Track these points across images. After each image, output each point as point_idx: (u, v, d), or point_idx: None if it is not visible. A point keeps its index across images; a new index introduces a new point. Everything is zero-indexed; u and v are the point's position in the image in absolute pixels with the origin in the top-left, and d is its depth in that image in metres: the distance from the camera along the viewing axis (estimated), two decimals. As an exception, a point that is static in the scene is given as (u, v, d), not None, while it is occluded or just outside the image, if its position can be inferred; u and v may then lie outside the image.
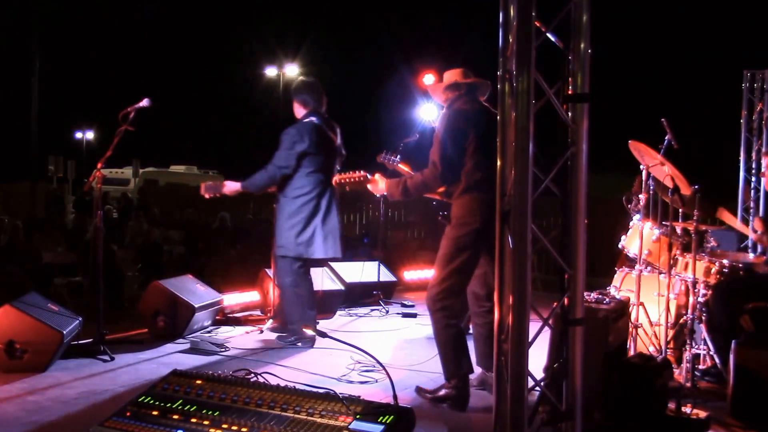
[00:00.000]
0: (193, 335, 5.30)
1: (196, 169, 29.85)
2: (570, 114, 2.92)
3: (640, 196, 4.99)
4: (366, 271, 7.17)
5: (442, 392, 3.82)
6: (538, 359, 3.76)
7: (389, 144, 5.85)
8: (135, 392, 3.07)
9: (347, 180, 4.44)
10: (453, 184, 3.93)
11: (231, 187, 5.43)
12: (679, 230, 4.97)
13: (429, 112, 7.70)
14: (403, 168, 4.44)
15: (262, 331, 5.70)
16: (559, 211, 2.96)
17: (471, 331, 4.35)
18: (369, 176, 4.35)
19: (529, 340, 2.84)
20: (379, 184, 4.27)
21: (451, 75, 4.14)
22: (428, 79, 6.28)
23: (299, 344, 5.12)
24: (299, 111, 5.34)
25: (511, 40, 2.89)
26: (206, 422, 2.57)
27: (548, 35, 2.92)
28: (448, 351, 3.85)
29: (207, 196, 5.59)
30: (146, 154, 27.84)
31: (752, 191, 7.97)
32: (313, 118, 5.24)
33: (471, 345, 4.17)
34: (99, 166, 4.93)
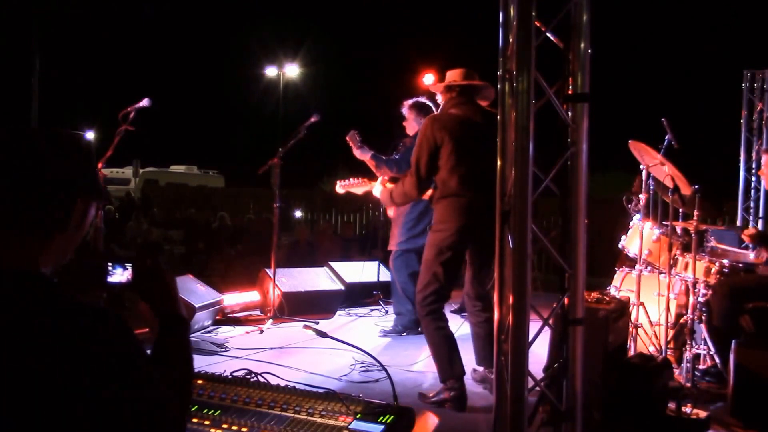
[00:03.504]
0: (193, 335, 5.30)
1: (196, 169, 29.85)
2: (570, 114, 2.92)
3: (640, 196, 4.99)
4: (366, 271, 7.17)
5: (442, 395, 3.84)
6: (538, 359, 3.77)
7: (388, 143, 5.91)
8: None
9: (352, 186, 4.61)
10: (432, 190, 4.01)
11: None
12: (679, 230, 4.97)
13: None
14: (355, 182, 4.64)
15: (262, 331, 5.71)
16: (559, 211, 2.96)
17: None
18: (368, 181, 4.50)
19: (529, 340, 2.84)
20: (374, 190, 4.46)
21: (451, 76, 4.15)
22: (428, 78, 6.31)
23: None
24: (416, 126, 5.55)
25: (511, 40, 2.90)
26: (207, 422, 2.57)
27: (548, 35, 2.92)
28: (439, 353, 3.88)
29: None
30: (146, 154, 27.86)
31: (752, 191, 7.97)
32: None
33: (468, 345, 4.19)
34: (99, 166, 4.94)
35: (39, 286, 1.36)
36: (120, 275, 1.72)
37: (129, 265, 1.71)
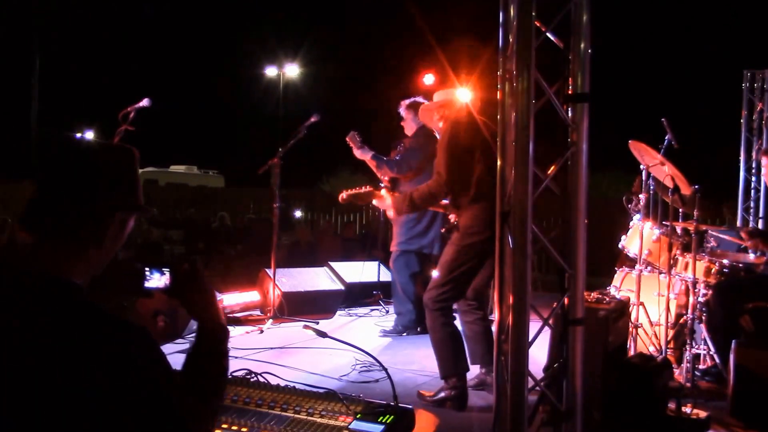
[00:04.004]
0: (192, 335, 5.29)
1: (196, 169, 29.82)
2: (570, 114, 2.92)
3: (640, 196, 4.99)
4: (366, 271, 7.17)
5: (442, 394, 3.83)
6: (538, 359, 3.77)
7: (388, 144, 5.91)
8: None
9: (355, 196, 4.59)
10: (460, 192, 3.94)
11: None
12: (679, 230, 4.97)
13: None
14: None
15: (262, 331, 5.71)
16: (559, 211, 2.96)
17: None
18: (375, 191, 4.47)
19: (529, 340, 2.84)
20: (385, 200, 4.36)
21: (443, 95, 4.20)
22: (428, 78, 6.32)
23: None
24: (414, 126, 5.58)
25: (511, 40, 2.89)
26: (206, 422, 2.57)
27: (548, 35, 2.92)
28: (444, 349, 3.87)
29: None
30: (146, 154, 27.78)
31: (752, 191, 7.97)
32: None
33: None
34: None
35: (67, 294, 1.36)
36: (157, 280, 1.70)
37: (167, 270, 1.69)
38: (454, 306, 4.07)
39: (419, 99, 5.67)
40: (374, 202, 4.47)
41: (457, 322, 4.05)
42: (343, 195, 4.75)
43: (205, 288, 1.67)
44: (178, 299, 1.69)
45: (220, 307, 1.69)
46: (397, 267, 5.74)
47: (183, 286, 1.67)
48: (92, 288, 1.52)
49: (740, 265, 4.73)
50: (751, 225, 7.78)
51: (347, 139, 5.46)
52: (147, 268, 1.69)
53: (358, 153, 5.46)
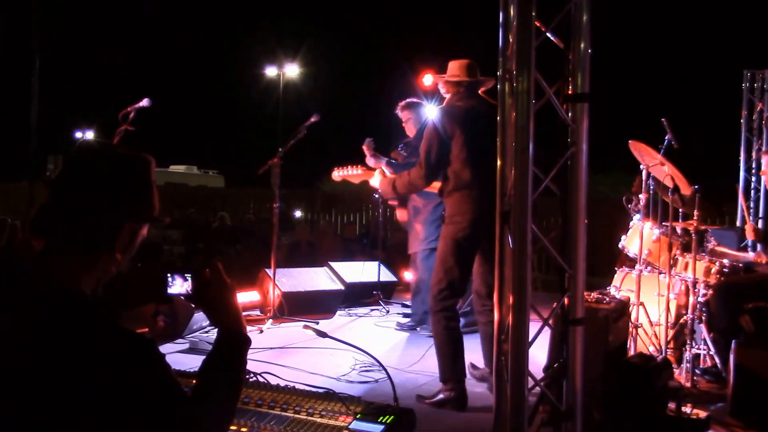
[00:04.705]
0: (192, 335, 5.30)
1: (196, 169, 29.83)
2: (570, 114, 2.92)
3: (640, 196, 4.99)
4: (366, 271, 7.17)
5: (441, 396, 3.83)
6: (538, 359, 3.77)
7: (388, 144, 5.91)
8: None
9: (347, 174, 4.59)
10: (443, 182, 3.98)
11: None
12: (679, 230, 4.97)
13: (430, 112, 7.74)
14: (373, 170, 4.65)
15: (262, 331, 5.70)
16: (559, 211, 2.96)
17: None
18: (367, 171, 4.49)
19: (529, 340, 2.84)
20: (373, 180, 4.44)
21: (454, 68, 4.14)
22: (427, 79, 6.32)
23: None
24: (416, 126, 5.60)
25: (511, 40, 2.90)
26: (206, 422, 2.57)
27: (548, 35, 2.92)
28: (444, 352, 3.87)
29: None
30: (146, 154, 27.74)
31: (752, 191, 7.97)
32: None
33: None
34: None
35: (68, 297, 1.36)
36: (180, 286, 1.68)
37: (189, 276, 1.67)
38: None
39: (414, 99, 5.65)
40: (372, 182, 4.53)
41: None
42: (336, 174, 4.77)
43: (227, 295, 1.64)
44: (199, 305, 1.67)
45: (241, 316, 1.66)
46: (428, 265, 5.52)
47: (204, 292, 1.65)
48: (113, 295, 1.52)
49: (740, 265, 4.73)
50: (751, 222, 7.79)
51: (363, 147, 5.41)
52: (169, 274, 1.68)
53: (372, 162, 5.39)
